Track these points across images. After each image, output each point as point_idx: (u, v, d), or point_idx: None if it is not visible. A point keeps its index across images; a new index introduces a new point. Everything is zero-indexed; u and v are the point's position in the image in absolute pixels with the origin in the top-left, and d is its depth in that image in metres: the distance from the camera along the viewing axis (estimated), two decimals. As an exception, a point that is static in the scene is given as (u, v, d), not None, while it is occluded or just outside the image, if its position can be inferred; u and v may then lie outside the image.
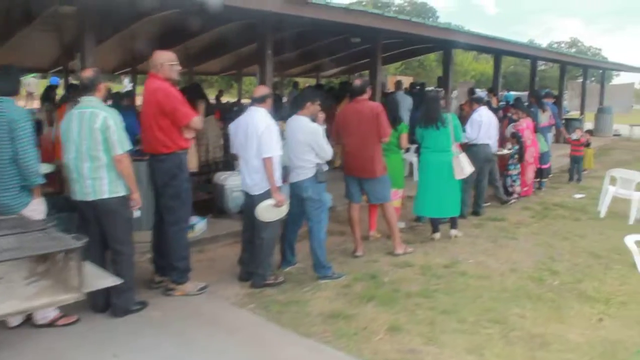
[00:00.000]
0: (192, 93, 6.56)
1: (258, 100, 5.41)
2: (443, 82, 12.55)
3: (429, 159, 6.98)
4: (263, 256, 5.41)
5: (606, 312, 4.99)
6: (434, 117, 6.86)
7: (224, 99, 20.78)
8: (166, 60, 5.03)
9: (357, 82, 6.52)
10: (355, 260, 6.34)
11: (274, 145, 5.20)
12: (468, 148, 8.34)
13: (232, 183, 7.70)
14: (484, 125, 8.30)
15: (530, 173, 9.74)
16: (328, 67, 20.69)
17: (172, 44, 11.34)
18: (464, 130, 10.42)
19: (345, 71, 22.44)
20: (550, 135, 11.13)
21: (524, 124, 9.55)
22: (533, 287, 5.55)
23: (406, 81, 17.53)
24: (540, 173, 10.43)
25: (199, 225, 6.89)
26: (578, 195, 10.12)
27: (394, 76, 21.43)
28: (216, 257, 6.36)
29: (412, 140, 7.72)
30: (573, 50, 56.02)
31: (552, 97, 11.05)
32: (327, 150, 5.63)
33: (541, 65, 52.92)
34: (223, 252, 6.54)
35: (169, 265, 5.19)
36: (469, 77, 47.41)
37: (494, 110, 11.59)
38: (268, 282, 5.43)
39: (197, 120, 5.11)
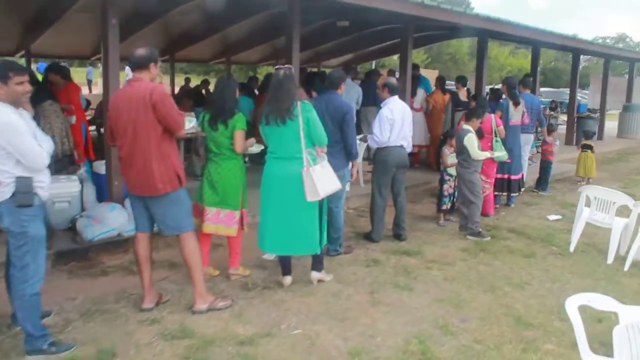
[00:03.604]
0: None
1: None
2: (477, 75, 10.68)
3: (272, 169, 4.60)
4: None
5: None
6: (279, 107, 4.46)
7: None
8: None
9: (139, 51, 4.14)
10: (136, 315, 4.09)
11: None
12: (375, 151, 5.94)
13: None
14: (397, 124, 5.86)
15: (485, 185, 7.20)
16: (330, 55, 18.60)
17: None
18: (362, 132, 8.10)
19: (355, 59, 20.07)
20: (529, 137, 8.50)
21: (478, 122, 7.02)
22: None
23: (431, 76, 15.29)
24: (509, 186, 7.85)
25: None
26: (553, 217, 7.52)
27: (384, 68, 19.04)
28: None
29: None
30: (620, 45, 51.93)
31: (528, 88, 8.38)
32: (36, 153, 3.37)
33: (584, 62, 49.53)
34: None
35: None
36: (505, 72, 44.29)
37: (463, 105, 9.16)
38: None
39: None
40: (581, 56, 15.27)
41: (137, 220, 4.26)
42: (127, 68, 27.96)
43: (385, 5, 7.13)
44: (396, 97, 5.98)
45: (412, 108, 9.80)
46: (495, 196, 7.69)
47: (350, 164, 5.53)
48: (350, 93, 9.40)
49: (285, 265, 4.77)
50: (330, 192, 4.54)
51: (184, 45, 15.97)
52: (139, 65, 3.98)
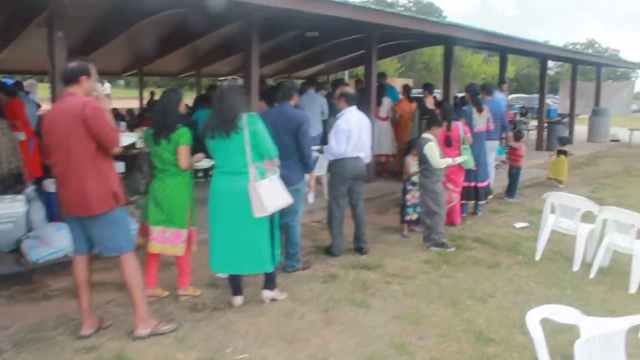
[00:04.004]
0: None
1: None
2: (444, 82, 10.88)
3: (219, 184, 4.38)
4: None
5: None
6: (223, 119, 4.25)
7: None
8: None
9: (69, 65, 3.93)
10: (73, 343, 3.85)
11: None
12: (331, 163, 5.76)
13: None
14: (354, 135, 5.68)
15: (453, 195, 7.05)
16: (301, 66, 18.46)
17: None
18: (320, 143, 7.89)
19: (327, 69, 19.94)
20: (494, 143, 8.38)
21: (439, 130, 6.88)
22: None
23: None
24: (476, 193, 7.71)
25: None
26: (520, 225, 7.39)
27: (392, 78, 18.96)
28: None
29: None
30: (590, 51, 52.67)
31: (487, 94, 8.23)
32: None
33: (556, 68, 50.01)
34: None
35: None
36: (479, 80, 44.59)
37: (430, 113, 8.99)
38: None
39: None
40: (552, 62, 15.38)
41: (75, 243, 4.01)
42: (98, 84, 27.57)
43: (345, 13, 6.99)
44: (353, 108, 5.80)
45: (378, 117, 9.73)
46: (461, 205, 7.55)
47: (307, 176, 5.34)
48: (313, 105, 9.25)
49: (235, 284, 4.55)
50: (279, 207, 4.33)
51: (152, 59, 15.76)
52: (68, 79, 3.78)
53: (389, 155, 10.00)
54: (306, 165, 5.19)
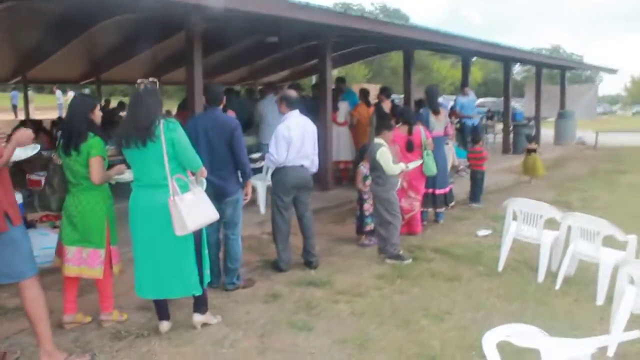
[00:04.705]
0: None
1: None
2: (405, 86, 11.02)
3: (137, 199, 3.89)
4: None
5: None
6: (137, 126, 3.76)
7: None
8: None
9: None
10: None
11: None
12: (273, 172, 5.30)
13: None
14: (295, 141, 5.22)
15: (405, 203, 6.64)
16: (266, 72, 18.00)
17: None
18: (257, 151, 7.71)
19: (293, 75, 19.51)
20: (449, 148, 8.02)
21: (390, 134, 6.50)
22: None
23: (373, 90, 14.94)
24: (434, 201, 7.32)
25: None
26: (483, 232, 7.00)
27: (360, 84, 18.62)
28: None
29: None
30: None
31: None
32: None
33: (524, 72, 50.34)
34: None
35: None
36: (447, 85, 44.70)
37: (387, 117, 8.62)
38: None
39: None
40: (519, 67, 15.27)
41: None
42: (58, 92, 26.72)
43: (284, 12, 6.58)
44: (295, 112, 5.36)
45: (335, 122, 9.32)
46: (422, 212, 7.15)
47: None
48: (274, 110, 8.78)
49: (161, 308, 4.05)
50: (203, 225, 3.86)
51: (109, 67, 15.17)
52: None
53: (348, 162, 9.57)
54: (243, 174, 4.79)
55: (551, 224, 5.56)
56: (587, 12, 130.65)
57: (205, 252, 4.03)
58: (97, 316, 4.25)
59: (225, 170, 4.66)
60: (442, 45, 10.28)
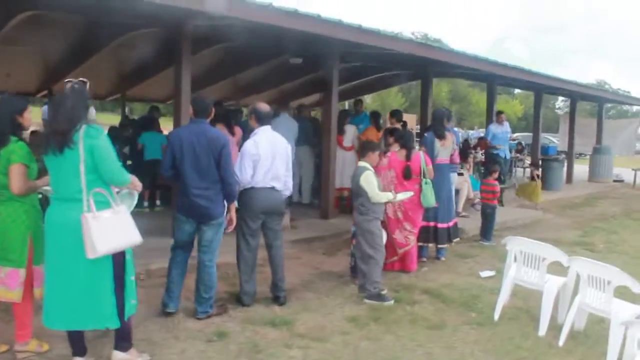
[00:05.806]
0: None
1: None
2: (421, 113, 10.47)
3: (50, 214, 3.38)
4: None
5: None
6: (56, 130, 3.26)
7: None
8: None
9: None
10: None
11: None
12: (240, 194, 4.73)
13: None
14: (264, 160, 4.66)
15: (400, 236, 5.98)
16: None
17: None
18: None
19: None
20: (464, 179, 7.33)
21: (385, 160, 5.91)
22: None
23: (410, 120, 14.44)
24: (436, 236, 6.62)
25: None
26: (486, 273, 6.26)
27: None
28: None
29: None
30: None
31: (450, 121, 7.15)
32: None
33: (566, 107, 49.06)
34: None
35: None
36: (485, 117, 43.72)
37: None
38: None
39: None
40: (562, 101, 14.48)
41: None
42: (44, 107, 26.90)
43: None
44: (266, 128, 4.82)
45: (341, 146, 8.74)
46: (420, 248, 6.47)
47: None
48: (281, 130, 8.28)
49: (75, 342, 3.51)
50: (118, 248, 3.30)
51: (135, 83, 14.88)
52: None
53: (352, 189, 8.96)
54: (228, 195, 4.36)
55: (559, 267, 4.82)
56: (633, 47, 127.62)
57: (130, 278, 3.47)
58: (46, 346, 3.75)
59: (212, 190, 4.25)
60: (456, 66, 9.58)
